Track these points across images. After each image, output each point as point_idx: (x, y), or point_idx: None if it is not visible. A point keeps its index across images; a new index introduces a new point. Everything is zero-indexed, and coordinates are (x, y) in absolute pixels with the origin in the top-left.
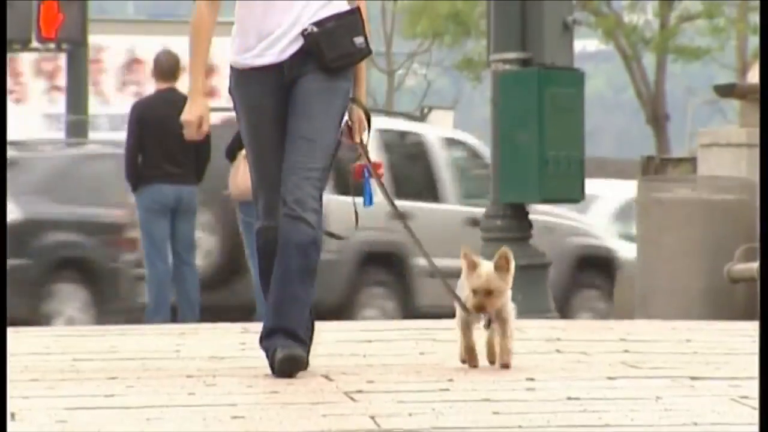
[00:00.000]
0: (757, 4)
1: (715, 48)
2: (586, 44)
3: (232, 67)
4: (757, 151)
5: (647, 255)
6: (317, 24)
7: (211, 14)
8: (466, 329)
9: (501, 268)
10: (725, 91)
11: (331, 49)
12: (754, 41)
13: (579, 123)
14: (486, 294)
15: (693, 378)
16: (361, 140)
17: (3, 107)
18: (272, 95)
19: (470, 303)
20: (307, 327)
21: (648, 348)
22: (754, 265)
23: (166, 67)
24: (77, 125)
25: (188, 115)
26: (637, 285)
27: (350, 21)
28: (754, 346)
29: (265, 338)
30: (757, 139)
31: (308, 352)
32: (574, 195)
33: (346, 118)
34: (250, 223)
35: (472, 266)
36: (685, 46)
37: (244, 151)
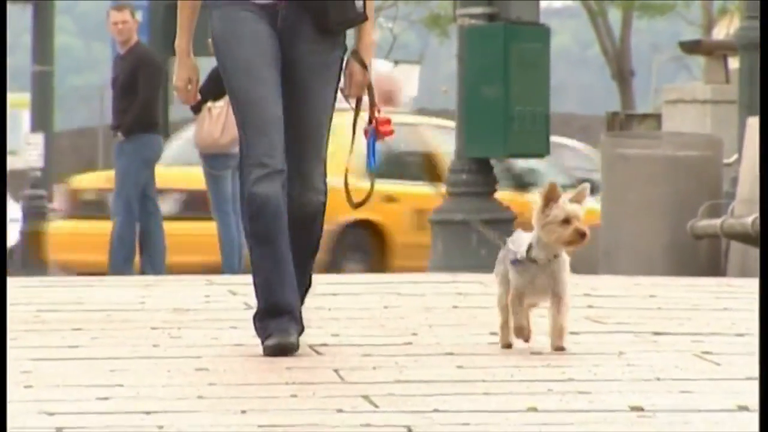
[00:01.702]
0: None
1: (681, 4)
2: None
3: (215, 7)
4: (721, 107)
5: (611, 210)
6: None
7: None
8: (518, 305)
9: (576, 201)
10: (690, 47)
11: (337, 11)
12: None
13: (545, 78)
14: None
15: (656, 333)
16: (358, 99)
17: (3, 108)
18: (266, 26)
19: (566, 234)
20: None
21: (612, 303)
22: (717, 222)
23: None
24: (43, 76)
25: (177, 79)
26: (600, 240)
27: None
28: (718, 302)
29: (262, 318)
30: (721, 96)
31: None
32: (540, 150)
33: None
34: (215, 176)
35: (556, 197)
36: (650, 2)
37: (208, 104)
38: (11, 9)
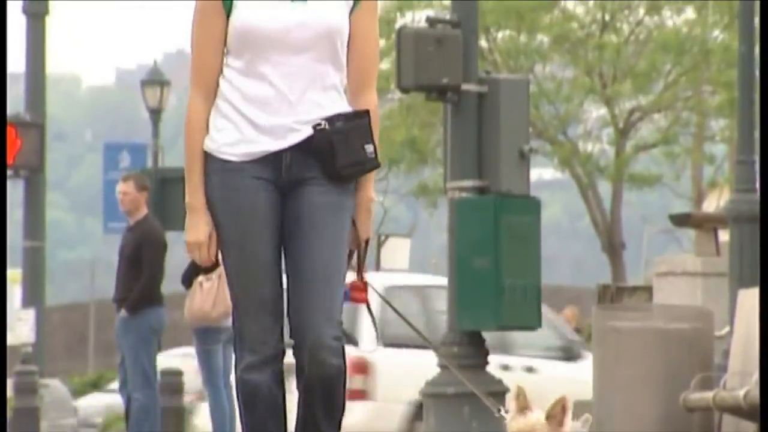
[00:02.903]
0: (712, 134)
1: (670, 177)
2: (543, 172)
3: (211, 163)
4: (712, 280)
5: (603, 383)
6: (329, 121)
7: (204, 111)
8: None
9: (554, 417)
10: (680, 220)
11: (345, 154)
12: (708, 170)
13: (536, 251)
14: None
15: None
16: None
17: (3, 112)
18: (266, 194)
19: None
20: None
21: None
22: (710, 394)
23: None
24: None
25: (196, 234)
26: (593, 412)
27: (362, 124)
28: None
29: None
30: (712, 269)
31: None
32: (531, 322)
33: None
34: (206, 350)
35: (522, 409)
36: (639, 173)
37: (200, 278)
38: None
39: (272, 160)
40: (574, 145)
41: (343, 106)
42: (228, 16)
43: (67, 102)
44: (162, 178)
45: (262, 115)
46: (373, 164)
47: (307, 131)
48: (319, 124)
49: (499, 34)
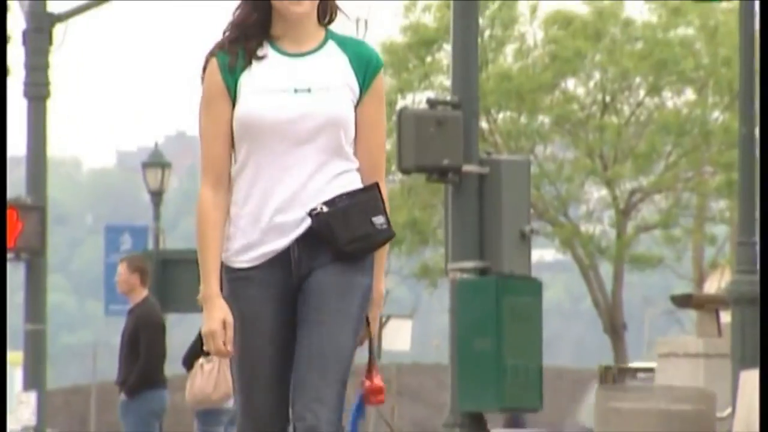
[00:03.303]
0: (713, 215)
1: (671, 258)
2: (544, 254)
3: (223, 271)
4: (714, 361)
5: None
6: (328, 203)
7: (217, 206)
8: None
9: None
10: (682, 301)
11: (345, 230)
12: (710, 252)
13: (537, 332)
14: None
15: None
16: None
17: (3, 112)
18: (274, 306)
19: None
20: None
21: None
22: None
23: (149, 273)
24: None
25: (209, 323)
26: None
27: (367, 198)
28: None
29: None
30: (714, 350)
31: None
32: (533, 404)
33: None
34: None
35: None
36: (641, 254)
37: (201, 359)
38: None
39: (281, 258)
40: (576, 226)
41: (351, 180)
42: (233, 103)
43: (68, 185)
44: (163, 260)
45: (267, 212)
46: (384, 235)
47: (309, 220)
48: (315, 209)
49: (500, 115)
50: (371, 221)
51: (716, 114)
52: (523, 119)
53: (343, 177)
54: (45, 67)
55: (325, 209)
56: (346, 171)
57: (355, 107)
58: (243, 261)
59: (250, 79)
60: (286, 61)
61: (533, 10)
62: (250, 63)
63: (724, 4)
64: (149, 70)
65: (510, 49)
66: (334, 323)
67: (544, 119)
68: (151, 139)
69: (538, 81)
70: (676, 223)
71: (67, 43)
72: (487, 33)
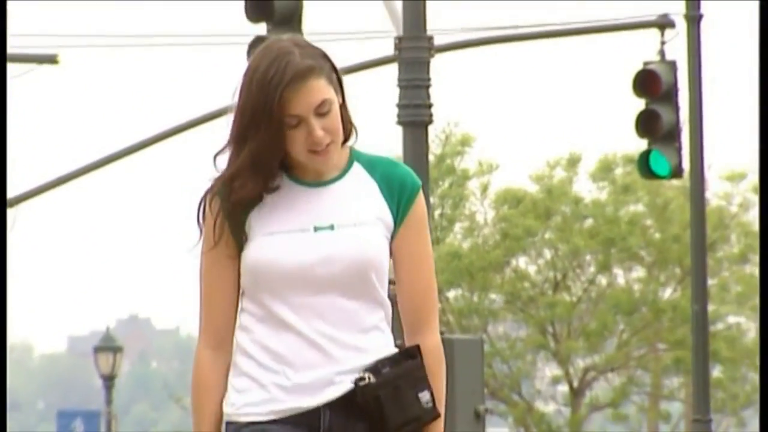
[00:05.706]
0: (667, 391)
1: None
2: None
3: (228, 429)
4: None
5: None
6: (373, 371)
7: (215, 369)
8: None
9: None
10: None
11: (397, 411)
12: (664, 429)
13: None
14: None
15: None
16: None
17: (3, 112)
18: None
19: None
20: None
21: None
22: None
23: None
24: None
25: None
26: None
27: (413, 367)
28: None
29: None
30: None
31: None
32: None
33: None
34: None
35: None
36: None
37: None
38: None
39: (307, 418)
40: (529, 403)
41: (388, 350)
42: (240, 249)
43: (19, 371)
44: None
45: (292, 372)
46: (430, 415)
47: (348, 384)
48: (363, 378)
49: (451, 294)
50: (418, 398)
51: (667, 291)
52: (474, 298)
53: (376, 334)
54: None
55: (373, 379)
56: (379, 325)
57: (390, 242)
58: (259, 414)
59: (261, 217)
60: (304, 192)
61: (484, 189)
62: (260, 197)
63: (673, 182)
64: (100, 254)
65: (460, 227)
66: None
67: (495, 297)
68: (102, 323)
69: (489, 259)
70: (630, 401)
71: (17, 228)
72: (437, 212)
